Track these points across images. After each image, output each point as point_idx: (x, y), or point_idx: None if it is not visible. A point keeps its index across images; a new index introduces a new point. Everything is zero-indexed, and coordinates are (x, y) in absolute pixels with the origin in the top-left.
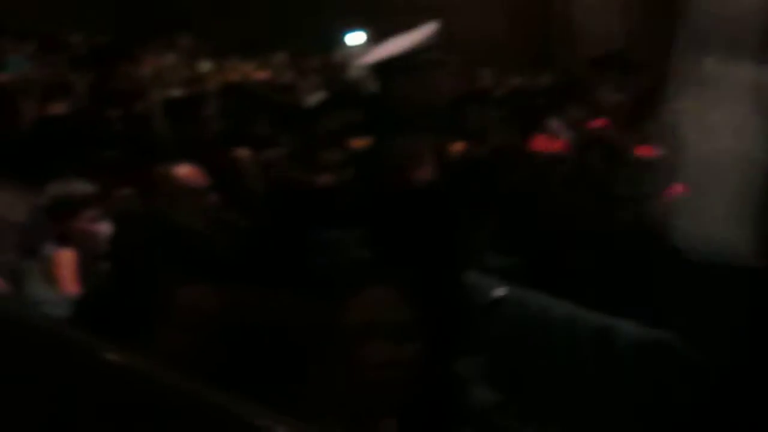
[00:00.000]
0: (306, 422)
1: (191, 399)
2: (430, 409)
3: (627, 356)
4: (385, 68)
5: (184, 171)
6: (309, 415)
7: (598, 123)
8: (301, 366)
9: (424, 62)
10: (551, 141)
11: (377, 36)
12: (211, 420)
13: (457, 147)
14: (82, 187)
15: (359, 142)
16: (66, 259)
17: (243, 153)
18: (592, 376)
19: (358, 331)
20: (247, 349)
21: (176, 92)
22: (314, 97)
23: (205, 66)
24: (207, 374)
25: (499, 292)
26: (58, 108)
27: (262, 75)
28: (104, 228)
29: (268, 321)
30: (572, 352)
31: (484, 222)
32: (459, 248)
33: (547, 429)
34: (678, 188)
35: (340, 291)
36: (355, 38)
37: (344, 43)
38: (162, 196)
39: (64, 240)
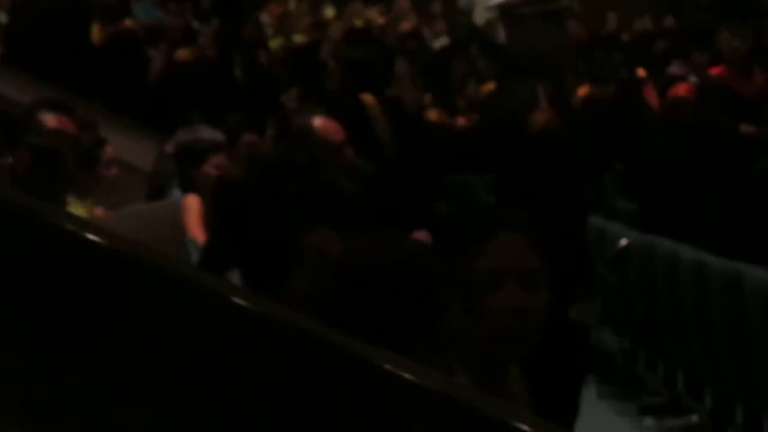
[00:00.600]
0: (431, 369)
1: (318, 343)
2: (555, 355)
3: (757, 301)
4: (512, 12)
5: (323, 124)
6: (433, 363)
7: (717, 70)
8: (427, 311)
9: (552, 7)
10: (675, 85)
11: None
12: (339, 364)
13: (583, 91)
14: (209, 133)
15: (488, 87)
16: (194, 205)
17: (369, 99)
18: (720, 321)
19: (489, 278)
20: (372, 294)
21: (300, 38)
22: (439, 42)
23: (328, 12)
24: (334, 319)
25: (624, 241)
26: (185, 55)
27: (384, 20)
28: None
29: (396, 266)
30: (701, 297)
31: (610, 167)
32: (584, 193)
33: (675, 375)
34: None
35: (470, 237)
36: None
37: None
38: (301, 148)
39: (191, 186)
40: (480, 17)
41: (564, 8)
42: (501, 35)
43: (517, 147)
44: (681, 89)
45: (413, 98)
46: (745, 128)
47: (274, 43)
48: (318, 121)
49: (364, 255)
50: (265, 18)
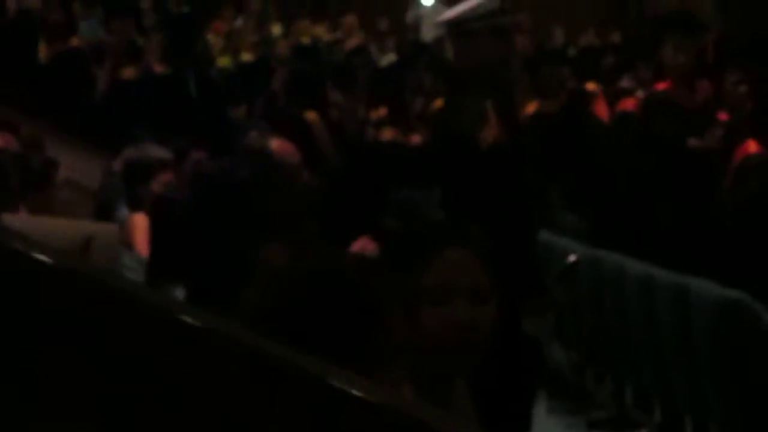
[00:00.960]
0: (378, 383)
1: (268, 360)
2: (505, 369)
3: (703, 314)
4: (460, 28)
5: (280, 146)
6: (380, 377)
7: (662, 84)
8: (373, 328)
9: (500, 23)
10: (623, 99)
11: None
12: (286, 380)
13: (531, 107)
14: (156, 150)
15: (437, 104)
16: (140, 222)
17: (312, 116)
18: (667, 334)
19: (437, 292)
20: (319, 308)
21: (247, 56)
22: (386, 59)
23: (275, 29)
24: (281, 334)
25: (572, 257)
26: (131, 73)
27: (332, 37)
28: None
29: (343, 281)
30: (647, 310)
31: (557, 181)
32: (533, 208)
33: (624, 389)
34: (751, 146)
35: (417, 251)
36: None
37: (416, 4)
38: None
39: (138, 204)
40: (428, 34)
41: (511, 23)
42: (449, 51)
43: (466, 163)
44: (628, 103)
45: (354, 115)
46: (691, 141)
47: (222, 61)
48: (275, 144)
49: (306, 269)
50: (211, 35)
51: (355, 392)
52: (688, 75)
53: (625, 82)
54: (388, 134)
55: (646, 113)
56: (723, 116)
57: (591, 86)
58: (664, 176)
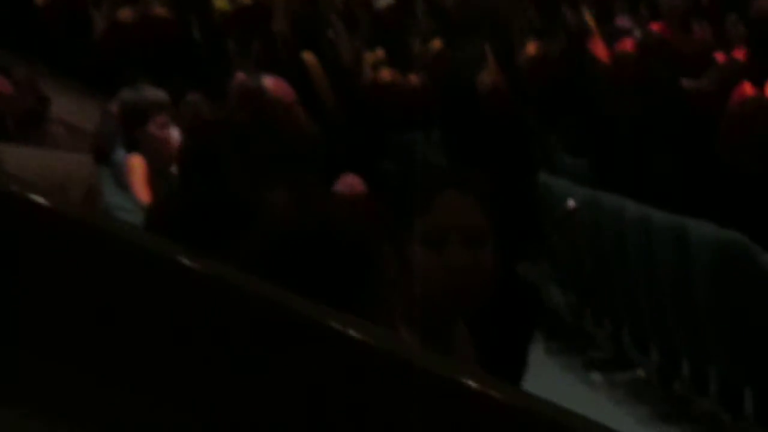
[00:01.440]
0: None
1: (267, 304)
2: (503, 312)
3: (702, 256)
4: None
5: (274, 84)
6: (375, 316)
7: (658, 26)
8: (374, 270)
9: None
10: (621, 40)
11: None
12: (287, 324)
13: (530, 49)
14: (153, 93)
15: (434, 45)
16: (138, 165)
17: (310, 58)
18: (665, 276)
19: (435, 235)
20: (319, 252)
21: None
22: (384, 1)
23: None
24: (281, 278)
25: (571, 203)
26: (128, 15)
27: None
28: (175, 134)
29: (341, 224)
30: (646, 252)
31: (557, 123)
32: (533, 152)
33: (621, 330)
34: (747, 89)
35: (415, 194)
36: None
37: None
38: (251, 109)
39: (135, 146)
40: None
41: None
42: None
43: (465, 105)
44: (626, 44)
45: (350, 56)
46: (686, 83)
47: (218, 3)
48: (268, 82)
49: (298, 211)
50: None
51: (354, 334)
52: (685, 16)
53: (621, 21)
54: (386, 75)
55: (642, 56)
56: (721, 58)
57: (590, 22)
58: (661, 119)
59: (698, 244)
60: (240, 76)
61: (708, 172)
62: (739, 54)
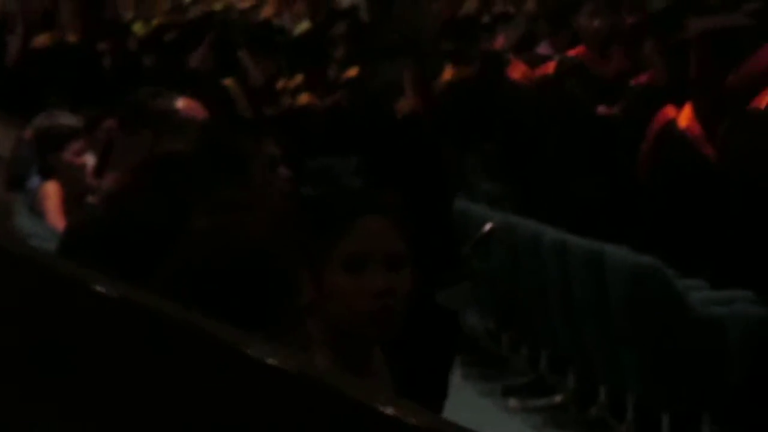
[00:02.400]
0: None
1: (182, 328)
2: (422, 339)
3: (617, 280)
4: None
5: (184, 104)
6: (291, 341)
7: (577, 50)
8: (291, 295)
9: None
10: (539, 65)
11: None
12: (201, 349)
13: (447, 74)
14: (68, 118)
15: (351, 72)
16: (52, 191)
17: (230, 83)
18: (582, 300)
19: (354, 260)
20: (236, 277)
21: (160, 21)
22: (300, 26)
23: None
24: (197, 303)
25: (488, 226)
26: (44, 40)
27: (246, 3)
28: (91, 160)
29: (259, 249)
30: (562, 277)
31: (474, 148)
32: (450, 176)
33: (539, 355)
34: (669, 111)
35: (334, 219)
36: None
37: None
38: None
39: (50, 173)
40: (343, 1)
41: None
42: (365, 18)
43: (383, 131)
44: (547, 68)
45: (259, 83)
46: (602, 109)
47: (136, 28)
48: (181, 102)
49: (221, 234)
50: (122, 2)
51: (270, 361)
52: (604, 41)
53: (542, 49)
54: (304, 99)
55: (559, 79)
56: (638, 82)
57: (507, 51)
58: (578, 143)
59: (614, 269)
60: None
61: (625, 197)
62: (656, 78)
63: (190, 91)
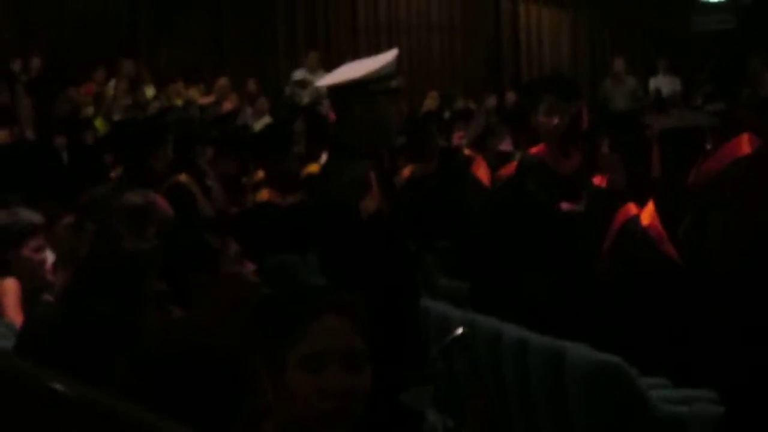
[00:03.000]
0: None
1: (140, 429)
2: None
3: (578, 379)
4: (343, 92)
5: (144, 200)
6: None
7: (537, 148)
8: (248, 395)
9: (384, 89)
10: (505, 164)
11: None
12: None
13: (406, 171)
14: (27, 215)
15: (311, 168)
16: (10, 288)
17: (185, 179)
18: (542, 399)
19: (312, 360)
20: (192, 377)
21: (120, 117)
22: (261, 122)
23: (148, 91)
24: (154, 402)
25: (459, 330)
26: (3, 136)
27: (206, 100)
28: (50, 257)
29: (214, 347)
30: (522, 375)
31: (436, 246)
32: (412, 274)
33: None
34: (631, 208)
35: (293, 318)
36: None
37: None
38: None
39: (8, 269)
40: (304, 98)
41: (395, 88)
42: (326, 114)
43: (347, 230)
44: (509, 168)
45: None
46: (565, 205)
47: (97, 124)
48: (140, 198)
49: (167, 336)
50: (81, 97)
51: None
52: (563, 139)
53: (505, 146)
54: (264, 195)
55: (519, 176)
56: (598, 181)
57: (467, 150)
58: (538, 242)
59: (574, 367)
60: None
61: (586, 295)
62: (613, 179)
63: (152, 188)
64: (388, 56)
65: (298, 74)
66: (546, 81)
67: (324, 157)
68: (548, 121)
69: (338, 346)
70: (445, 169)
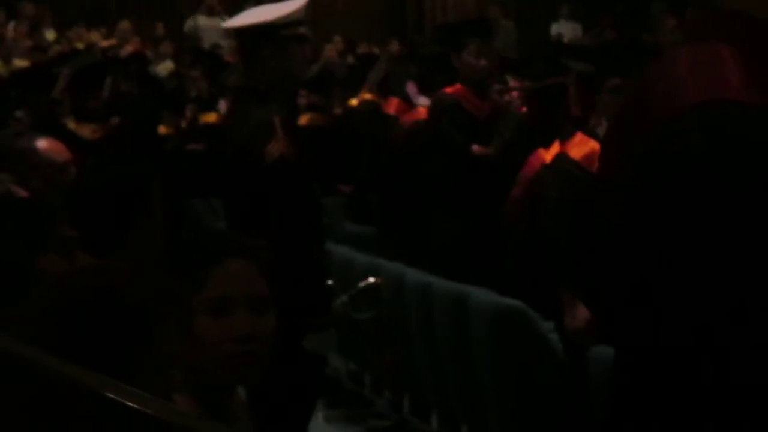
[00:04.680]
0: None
1: (40, 371)
2: (286, 384)
3: (480, 323)
4: (252, 35)
5: (45, 145)
6: (155, 388)
7: (453, 89)
8: (148, 338)
9: (293, 34)
10: (408, 107)
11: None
12: (59, 391)
13: (304, 119)
14: None
15: (210, 116)
16: None
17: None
18: (445, 343)
19: (217, 304)
20: (94, 321)
21: (21, 63)
22: (164, 66)
23: (49, 35)
24: (53, 345)
25: (372, 279)
26: None
27: (107, 43)
28: None
29: (107, 291)
30: (426, 319)
31: (340, 191)
32: (317, 219)
33: (401, 396)
34: (542, 154)
35: (197, 263)
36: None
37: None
38: (22, 171)
39: None
40: (206, 41)
41: (303, 35)
42: (229, 59)
43: (251, 176)
44: (421, 113)
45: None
46: (476, 148)
47: None
48: (42, 143)
49: (74, 281)
50: None
51: (129, 403)
52: (481, 81)
53: (409, 89)
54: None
55: (434, 117)
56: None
57: (367, 96)
58: (447, 184)
59: (478, 311)
60: (15, 137)
61: (491, 240)
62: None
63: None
64: (297, 3)
65: (196, 20)
66: (470, 24)
67: (222, 104)
68: (477, 62)
69: (242, 290)
70: (346, 118)
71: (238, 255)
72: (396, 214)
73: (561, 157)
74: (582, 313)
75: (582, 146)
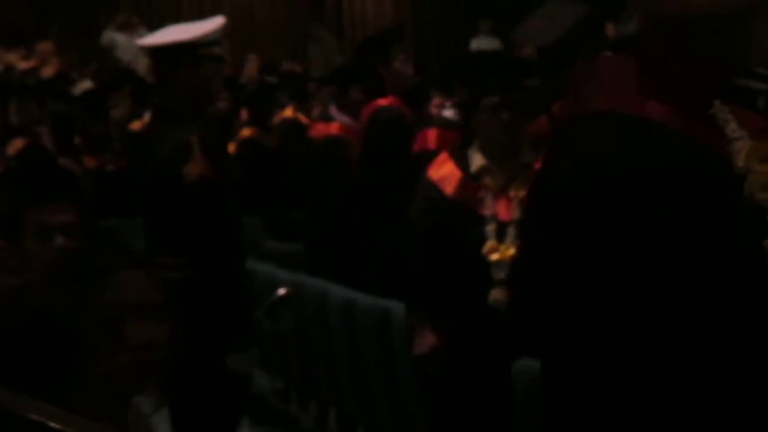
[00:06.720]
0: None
1: None
2: (210, 403)
3: (404, 338)
4: (168, 53)
5: None
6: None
7: (387, 100)
8: (72, 354)
9: (209, 53)
10: (328, 125)
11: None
12: None
13: (246, 132)
14: None
15: (135, 125)
16: None
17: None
18: (369, 359)
19: (111, 315)
20: (22, 339)
21: None
22: (81, 86)
23: None
24: None
25: (282, 291)
26: None
27: (27, 64)
28: None
29: (30, 307)
30: (350, 336)
31: (262, 209)
32: (235, 237)
33: (327, 412)
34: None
35: (96, 272)
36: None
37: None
38: None
39: None
40: (125, 55)
41: (219, 55)
42: (150, 77)
43: (169, 195)
44: (332, 128)
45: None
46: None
47: None
48: None
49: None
50: None
51: (53, 424)
52: (411, 91)
53: (334, 111)
54: (88, 162)
55: (378, 131)
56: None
57: (289, 113)
58: (386, 197)
59: (400, 325)
60: None
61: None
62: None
63: None
64: (215, 22)
65: (106, 36)
66: (392, 32)
67: (147, 116)
68: (405, 69)
69: (134, 299)
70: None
71: (136, 267)
72: (324, 230)
73: (423, 178)
74: (428, 339)
75: (441, 167)
